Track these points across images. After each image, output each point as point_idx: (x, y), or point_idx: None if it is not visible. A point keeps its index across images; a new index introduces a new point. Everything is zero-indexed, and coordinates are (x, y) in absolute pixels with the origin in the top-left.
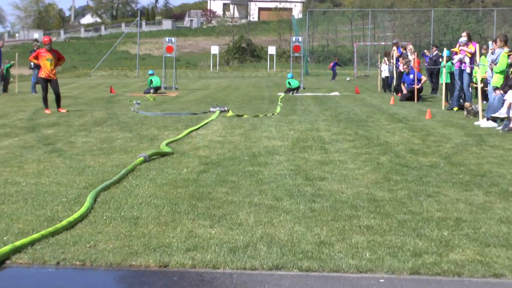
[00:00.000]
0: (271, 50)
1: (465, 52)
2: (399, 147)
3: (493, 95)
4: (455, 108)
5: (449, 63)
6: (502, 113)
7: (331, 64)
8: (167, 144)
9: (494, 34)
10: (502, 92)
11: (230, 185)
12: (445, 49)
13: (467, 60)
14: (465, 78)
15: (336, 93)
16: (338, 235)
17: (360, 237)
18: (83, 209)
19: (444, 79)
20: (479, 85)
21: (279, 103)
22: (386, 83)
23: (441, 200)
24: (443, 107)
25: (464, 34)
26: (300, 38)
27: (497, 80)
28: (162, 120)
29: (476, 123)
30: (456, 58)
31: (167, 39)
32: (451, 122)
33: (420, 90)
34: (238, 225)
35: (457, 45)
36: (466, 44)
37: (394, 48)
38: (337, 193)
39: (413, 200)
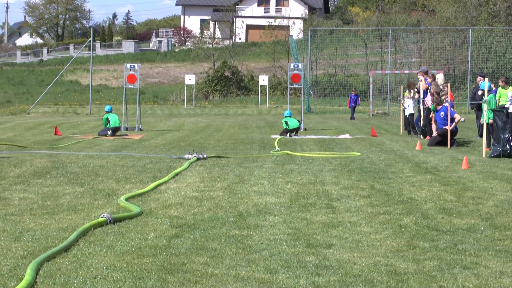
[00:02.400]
0: (263, 80)
1: None
2: (427, 206)
3: None
4: None
5: (491, 96)
6: None
7: (350, 97)
8: (127, 199)
9: None
10: None
11: (211, 253)
12: (486, 79)
13: None
14: None
15: (347, 136)
16: None
17: None
18: (22, 284)
19: (485, 118)
20: None
21: (276, 148)
22: (411, 123)
23: (481, 273)
24: (484, 154)
25: None
26: (300, 65)
27: None
28: (122, 171)
29: None
30: (510, 93)
31: (128, 65)
32: (494, 173)
33: (454, 132)
34: None
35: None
36: None
37: (421, 77)
38: (347, 264)
39: (445, 273)
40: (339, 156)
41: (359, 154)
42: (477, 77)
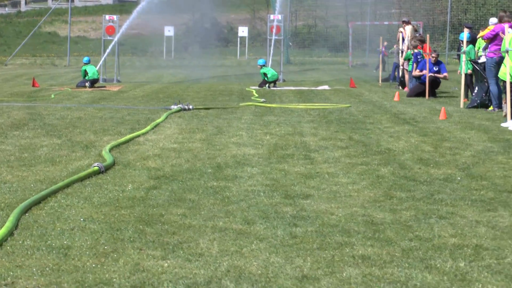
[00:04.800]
0: (243, 31)
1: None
2: (404, 156)
3: None
4: (491, 108)
5: (470, 47)
6: None
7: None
8: (110, 150)
9: None
10: None
11: (188, 205)
12: (465, 30)
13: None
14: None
15: (326, 87)
16: (326, 268)
17: (353, 270)
18: (3, 230)
19: (463, 68)
20: (508, 77)
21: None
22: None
23: (457, 222)
24: (461, 105)
25: (501, 13)
26: (280, 16)
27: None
28: (100, 122)
29: (503, 124)
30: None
31: (107, 17)
32: (472, 124)
33: (435, 84)
34: (198, 256)
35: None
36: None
37: (401, 29)
38: (325, 214)
39: (422, 223)
40: (329, 107)
41: (349, 105)
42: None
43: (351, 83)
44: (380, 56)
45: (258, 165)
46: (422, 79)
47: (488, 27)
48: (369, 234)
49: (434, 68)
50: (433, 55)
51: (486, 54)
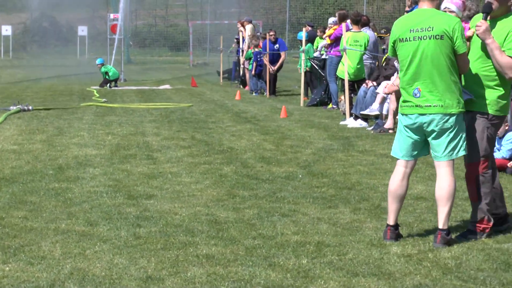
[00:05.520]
0: (82, 30)
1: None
2: (247, 155)
3: (364, 88)
4: (330, 105)
5: (309, 46)
6: (373, 109)
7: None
8: None
9: (364, 9)
10: (374, 84)
11: (29, 207)
12: (304, 29)
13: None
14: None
15: (167, 86)
16: (170, 268)
17: (198, 269)
18: None
19: (302, 66)
20: (346, 75)
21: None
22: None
23: (299, 220)
24: (302, 103)
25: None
26: (119, 15)
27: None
28: None
29: (342, 122)
30: (321, 43)
31: None
32: (312, 122)
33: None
34: (41, 259)
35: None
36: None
37: (241, 28)
38: (168, 214)
39: (265, 221)
40: (171, 107)
41: (191, 105)
42: (305, 26)
43: (192, 82)
44: (221, 55)
45: (100, 166)
46: (259, 60)
47: (333, 27)
48: (213, 233)
49: (275, 47)
50: (271, 33)
51: (330, 52)
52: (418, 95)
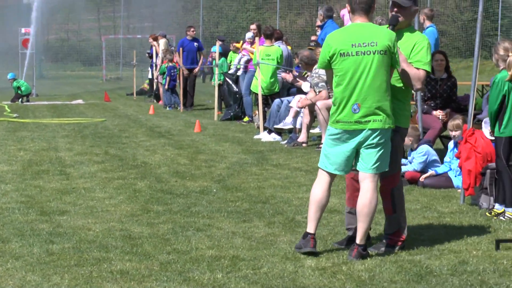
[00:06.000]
0: None
1: (248, 52)
2: (161, 169)
3: (277, 102)
4: (246, 119)
5: (222, 60)
6: (287, 123)
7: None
8: None
9: (277, 24)
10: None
11: None
12: (217, 43)
13: (243, 60)
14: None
15: (80, 101)
16: (84, 284)
17: (112, 285)
18: None
19: (216, 80)
20: (260, 90)
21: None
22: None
23: (214, 234)
24: (215, 117)
25: (253, 26)
26: (30, 30)
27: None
28: None
29: (256, 136)
30: (237, 58)
31: None
32: (226, 136)
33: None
34: None
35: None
36: (253, 40)
37: (154, 42)
38: (82, 230)
39: (179, 235)
40: (84, 122)
41: (104, 119)
42: (217, 41)
43: (105, 97)
44: (134, 69)
45: (12, 182)
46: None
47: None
48: (127, 249)
49: (194, 44)
50: (192, 29)
51: (247, 66)
52: (357, 110)
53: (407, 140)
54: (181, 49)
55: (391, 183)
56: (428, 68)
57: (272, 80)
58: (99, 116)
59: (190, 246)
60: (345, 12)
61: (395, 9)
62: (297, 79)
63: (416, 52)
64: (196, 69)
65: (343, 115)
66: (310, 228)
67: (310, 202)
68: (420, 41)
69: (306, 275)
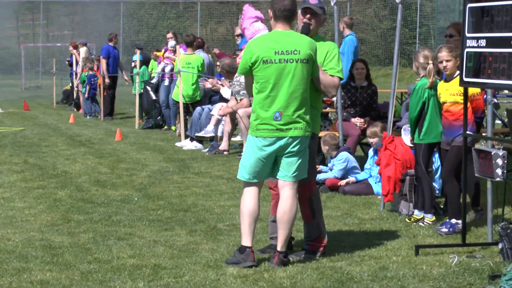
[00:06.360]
0: None
1: (171, 60)
2: (81, 178)
3: (199, 110)
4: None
5: (144, 68)
6: (208, 131)
7: None
8: None
9: (198, 32)
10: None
11: None
12: (137, 51)
13: (168, 69)
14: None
15: None
16: None
17: None
18: None
19: (137, 89)
20: (181, 98)
21: None
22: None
23: (135, 243)
24: (136, 126)
25: (169, 35)
26: None
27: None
28: None
29: (178, 144)
30: (160, 66)
31: None
32: (147, 144)
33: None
34: None
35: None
36: (175, 49)
37: (74, 50)
38: (1, 240)
39: (100, 245)
40: (2, 131)
41: (23, 128)
42: (135, 48)
43: (24, 105)
44: (54, 78)
45: None
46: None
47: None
48: (47, 259)
49: (116, 52)
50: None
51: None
52: (279, 118)
53: (324, 149)
54: (108, 56)
55: (308, 190)
56: (342, 75)
57: (193, 87)
58: (18, 125)
59: (111, 255)
60: (246, 25)
61: (308, 16)
62: (219, 81)
63: (329, 59)
64: (107, 81)
65: (264, 123)
66: (247, 242)
67: (243, 215)
68: (331, 49)
69: (228, 283)
